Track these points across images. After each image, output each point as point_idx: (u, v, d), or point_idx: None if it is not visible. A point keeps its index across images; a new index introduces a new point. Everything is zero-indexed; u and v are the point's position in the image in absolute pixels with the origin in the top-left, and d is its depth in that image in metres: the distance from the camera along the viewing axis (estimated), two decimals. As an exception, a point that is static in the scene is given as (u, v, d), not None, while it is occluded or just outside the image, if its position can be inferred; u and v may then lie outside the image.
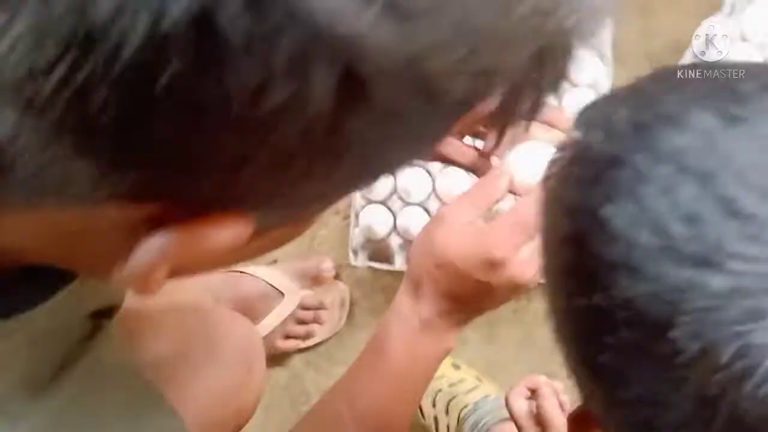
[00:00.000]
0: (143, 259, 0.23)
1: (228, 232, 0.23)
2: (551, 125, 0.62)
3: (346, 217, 1.02)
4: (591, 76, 0.87)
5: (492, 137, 0.65)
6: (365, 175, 0.26)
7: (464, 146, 0.65)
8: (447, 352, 0.57)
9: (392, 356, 0.54)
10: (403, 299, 0.55)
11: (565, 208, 0.29)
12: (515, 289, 0.53)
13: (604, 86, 0.87)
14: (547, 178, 0.31)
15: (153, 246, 0.22)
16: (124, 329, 0.43)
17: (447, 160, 0.66)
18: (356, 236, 0.97)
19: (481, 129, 0.66)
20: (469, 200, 0.55)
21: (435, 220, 0.54)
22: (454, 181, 0.90)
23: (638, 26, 0.91)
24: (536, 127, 0.63)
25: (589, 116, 0.30)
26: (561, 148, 0.31)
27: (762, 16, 0.82)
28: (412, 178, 0.92)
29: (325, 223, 1.04)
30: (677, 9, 0.90)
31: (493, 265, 0.50)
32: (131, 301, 0.45)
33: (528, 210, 0.50)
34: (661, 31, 0.91)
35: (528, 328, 0.92)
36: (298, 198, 0.25)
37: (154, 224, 0.22)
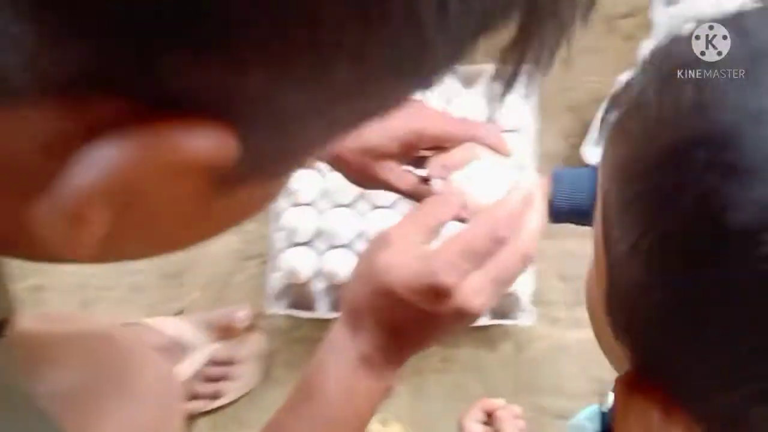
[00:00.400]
0: (82, 179, 0.15)
1: (204, 141, 0.17)
2: (494, 148, 0.61)
3: (263, 262, 0.95)
4: (517, 120, 0.88)
5: (434, 163, 0.62)
6: (370, 110, 0.21)
7: (405, 172, 0.62)
8: (387, 392, 0.51)
9: (325, 396, 0.48)
10: (338, 332, 0.49)
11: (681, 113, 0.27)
12: (462, 319, 0.48)
13: (531, 131, 0.88)
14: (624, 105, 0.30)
15: (99, 158, 0.15)
16: (21, 352, 0.34)
17: (388, 187, 0.62)
18: (275, 281, 0.89)
19: (423, 154, 0.63)
20: (417, 220, 0.51)
21: (377, 241, 0.50)
22: (384, 221, 0.86)
23: (559, 79, 0.94)
24: (479, 149, 0.61)
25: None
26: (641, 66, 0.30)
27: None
28: (339, 219, 0.87)
29: (240, 269, 0.96)
30: (596, 63, 0.94)
31: (439, 292, 0.45)
32: (31, 322, 0.37)
33: (478, 235, 0.46)
34: (581, 84, 0.94)
35: (458, 378, 0.88)
36: (288, 120, 0.19)
37: (101, 130, 0.16)
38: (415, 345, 0.50)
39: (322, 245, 0.89)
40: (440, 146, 0.61)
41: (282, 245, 0.89)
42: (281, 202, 0.89)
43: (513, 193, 0.49)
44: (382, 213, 0.87)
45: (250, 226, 0.96)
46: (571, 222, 0.70)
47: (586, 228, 0.88)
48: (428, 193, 0.61)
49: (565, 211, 0.65)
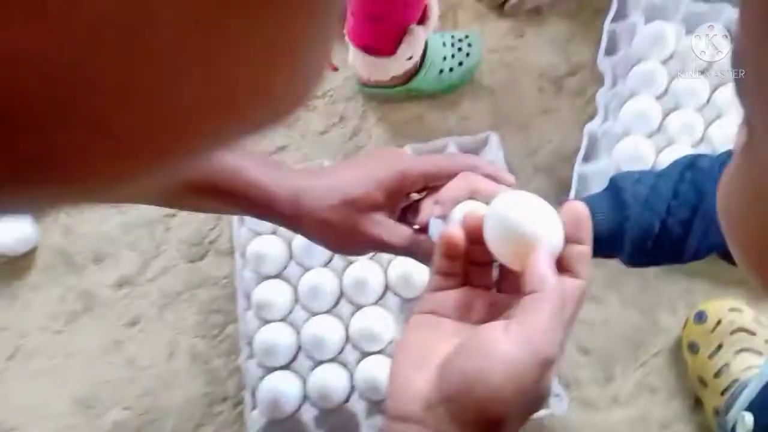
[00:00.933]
0: None
1: None
2: (493, 176, 0.53)
3: (238, 402, 0.79)
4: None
5: (426, 204, 0.53)
6: None
7: (397, 225, 0.52)
8: None
9: None
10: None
11: None
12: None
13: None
14: None
15: None
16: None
17: (380, 244, 0.52)
18: (255, 421, 0.74)
19: (413, 196, 0.54)
20: None
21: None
22: (370, 324, 0.74)
23: (522, 144, 0.90)
24: (474, 179, 0.52)
25: None
26: None
27: (636, 112, 0.85)
28: (321, 328, 0.75)
29: (209, 418, 0.80)
30: (553, 123, 0.91)
31: (550, 365, 0.37)
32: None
33: (560, 302, 0.38)
34: (544, 145, 0.90)
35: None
36: None
37: None
38: None
39: (304, 364, 0.75)
40: (430, 186, 0.53)
41: (258, 373, 0.75)
42: (252, 320, 0.76)
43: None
44: (367, 314, 0.76)
45: (215, 362, 0.81)
46: (596, 254, 0.61)
47: (598, 293, 0.81)
48: (427, 245, 0.51)
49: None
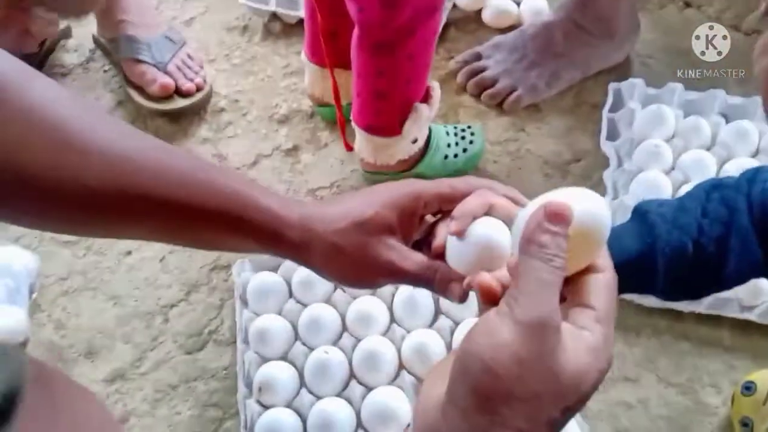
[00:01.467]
0: None
1: None
2: (513, 200, 0.50)
3: None
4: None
5: (441, 230, 0.50)
6: None
7: (410, 251, 0.48)
8: None
9: None
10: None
11: None
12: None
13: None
14: None
15: None
16: None
17: (392, 271, 0.48)
18: None
19: (428, 218, 0.51)
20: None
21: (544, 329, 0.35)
22: (384, 406, 0.67)
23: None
24: (496, 198, 0.50)
25: None
26: None
27: (647, 183, 0.84)
28: (330, 412, 0.67)
29: None
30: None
31: (549, 332, 0.32)
32: None
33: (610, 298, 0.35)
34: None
35: None
36: None
37: None
38: None
39: (312, 453, 0.67)
40: (444, 210, 0.50)
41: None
42: (254, 407, 0.69)
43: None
44: (383, 392, 0.69)
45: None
46: (622, 289, 0.57)
47: (632, 373, 0.74)
48: (443, 271, 0.47)
49: (615, 266, 0.53)
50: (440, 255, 0.49)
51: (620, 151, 0.91)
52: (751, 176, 0.55)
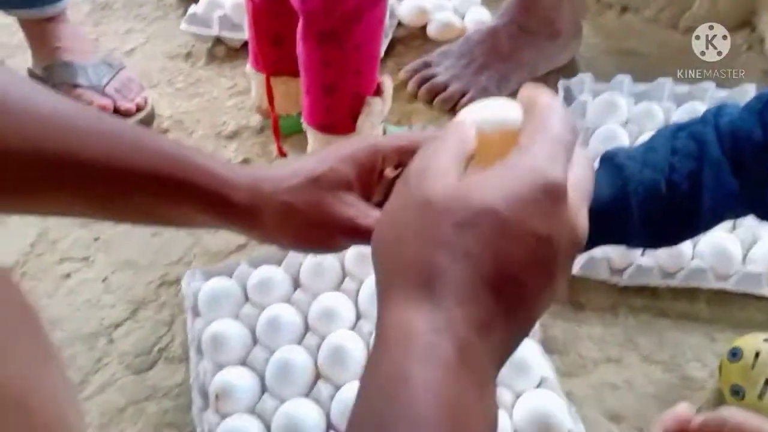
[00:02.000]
0: None
1: None
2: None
3: None
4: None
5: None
6: None
7: (370, 207, 0.45)
8: (495, 413, 0.28)
9: (420, 412, 0.25)
10: (408, 313, 0.27)
11: None
12: (576, 238, 0.30)
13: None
14: None
15: None
16: None
17: (352, 230, 0.44)
18: None
19: (387, 173, 0.48)
20: (446, 149, 0.34)
21: (417, 175, 0.32)
22: (350, 399, 0.61)
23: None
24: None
25: None
26: None
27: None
28: (296, 415, 0.61)
29: None
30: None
31: (554, 195, 0.28)
32: None
33: (559, 124, 0.31)
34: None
35: None
36: None
37: None
38: (525, 316, 0.29)
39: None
40: (405, 163, 0.47)
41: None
42: (212, 417, 0.62)
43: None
44: (352, 388, 0.63)
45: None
46: (600, 240, 0.54)
47: (615, 354, 0.70)
48: None
49: (589, 215, 0.50)
50: None
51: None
52: (716, 111, 0.54)
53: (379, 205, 0.46)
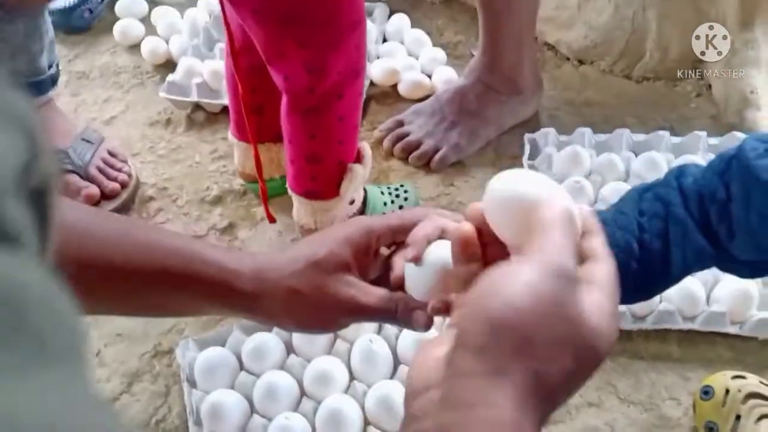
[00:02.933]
0: None
1: None
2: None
3: None
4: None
5: (398, 261, 0.50)
6: None
7: (370, 286, 0.48)
8: None
9: None
10: (471, 380, 0.30)
11: None
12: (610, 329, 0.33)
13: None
14: None
15: None
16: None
17: (354, 308, 0.47)
18: None
19: (383, 251, 0.51)
20: None
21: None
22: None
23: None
24: (446, 221, 0.50)
25: None
26: None
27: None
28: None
29: None
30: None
31: (570, 277, 0.32)
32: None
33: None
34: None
35: None
36: None
37: None
38: (565, 386, 0.32)
39: None
40: (398, 242, 0.51)
41: None
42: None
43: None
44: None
45: None
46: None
47: (594, 398, 0.74)
48: (405, 302, 0.47)
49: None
50: (400, 287, 0.48)
51: (546, 193, 0.95)
52: (677, 173, 0.58)
53: (375, 282, 0.50)
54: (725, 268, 0.58)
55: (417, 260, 0.47)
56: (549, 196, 0.35)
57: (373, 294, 0.47)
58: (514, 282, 0.31)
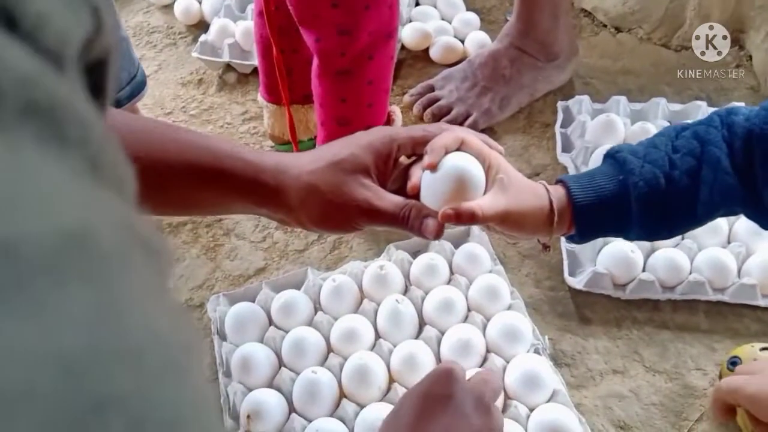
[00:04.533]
0: None
1: None
2: (486, 143, 0.52)
3: None
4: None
5: (416, 170, 0.50)
6: None
7: (386, 192, 0.49)
8: None
9: None
10: None
11: None
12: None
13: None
14: None
15: None
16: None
17: (369, 212, 0.48)
18: None
19: (402, 160, 0.52)
20: None
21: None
22: (373, 417, 0.65)
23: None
24: (468, 134, 0.51)
25: None
26: None
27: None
28: None
29: None
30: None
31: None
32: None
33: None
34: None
35: None
36: None
37: None
38: None
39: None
40: (419, 153, 0.51)
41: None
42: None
43: None
44: (375, 408, 0.67)
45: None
46: (600, 231, 0.57)
47: (619, 366, 0.74)
48: (419, 208, 0.48)
49: (591, 206, 0.54)
50: (415, 196, 0.50)
51: (576, 161, 0.94)
52: (726, 112, 0.56)
53: (392, 190, 0.50)
54: (750, 214, 0.56)
55: (433, 168, 0.48)
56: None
57: (387, 199, 0.48)
58: None
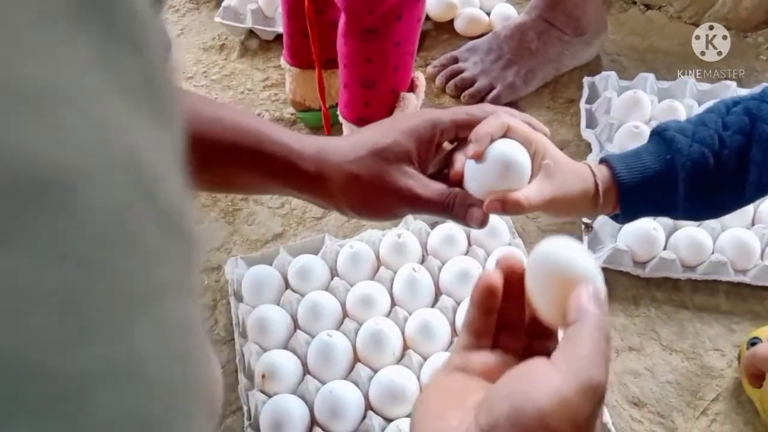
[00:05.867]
0: None
1: None
2: (529, 125, 0.51)
3: None
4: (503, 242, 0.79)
5: (460, 157, 0.50)
6: None
7: (429, 180, 0.48)
8: None
9: None
10: None
11: None
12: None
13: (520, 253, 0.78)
14: None
15: None
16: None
17: (411, 199, 0.48)
18: None
19: (445, 146, 0.51)
20: None
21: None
22: (392, 386, 0.65)
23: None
24: (513, 120, 0.50)
25: None
26: None
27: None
28: (336, 395, 0.65)
29: None
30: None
31: (600, 399, 0.32)
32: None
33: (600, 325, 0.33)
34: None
35: None
36: None
37: None
38: None
39: (322, 438, 0.64)
40: (462, 138, 0.50)
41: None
42: (257, 396, 0.66)
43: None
44: (389, 371, 0.67)
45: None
46: (646, 211, 0.56)
47: (636, 343, 0.73)
48: (463, 197, 0.47)
49: (637, 187, 0.53)
50: (458, 183, 0.49)
51: (601, 137, 0.93)
52: None
53: (433, 176, 0.50)
54: None
55: (478, 157, 0.47)
56: (589, 275, 0.34)
57: (430, 187, 0.48)
58: (548, 392, 0.30)
